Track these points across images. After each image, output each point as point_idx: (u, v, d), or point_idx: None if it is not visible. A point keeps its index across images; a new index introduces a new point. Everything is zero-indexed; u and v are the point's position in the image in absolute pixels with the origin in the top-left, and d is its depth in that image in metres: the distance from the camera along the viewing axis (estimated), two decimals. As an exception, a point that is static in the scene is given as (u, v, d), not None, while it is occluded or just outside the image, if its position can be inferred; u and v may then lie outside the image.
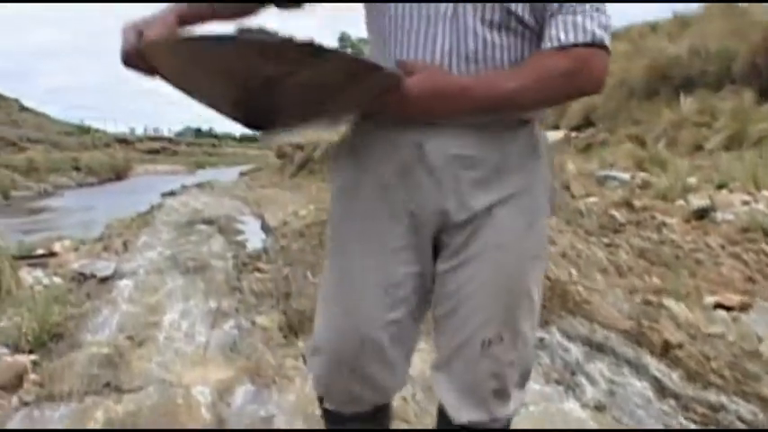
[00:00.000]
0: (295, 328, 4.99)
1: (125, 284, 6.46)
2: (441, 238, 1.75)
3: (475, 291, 1.72)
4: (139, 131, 63.38)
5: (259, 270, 7.17)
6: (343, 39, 43.14)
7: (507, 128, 1.70)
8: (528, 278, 1.75)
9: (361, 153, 1.81)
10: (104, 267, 7.46)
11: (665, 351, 3.83)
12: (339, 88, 1.44)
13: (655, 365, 3.75)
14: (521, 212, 1.72)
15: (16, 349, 4.69)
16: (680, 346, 3.81)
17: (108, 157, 43.42)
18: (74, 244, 11.18)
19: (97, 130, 57.78)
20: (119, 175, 42.19)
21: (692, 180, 8.41)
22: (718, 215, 6.68)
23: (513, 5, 1.62)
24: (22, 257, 9.23)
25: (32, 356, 4.50)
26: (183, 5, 1.70)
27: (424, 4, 1.67)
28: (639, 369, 3.76)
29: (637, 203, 7.58)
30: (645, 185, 8.81)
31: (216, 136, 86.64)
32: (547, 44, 1.60)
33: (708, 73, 14.74)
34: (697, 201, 7.10)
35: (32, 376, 4.13)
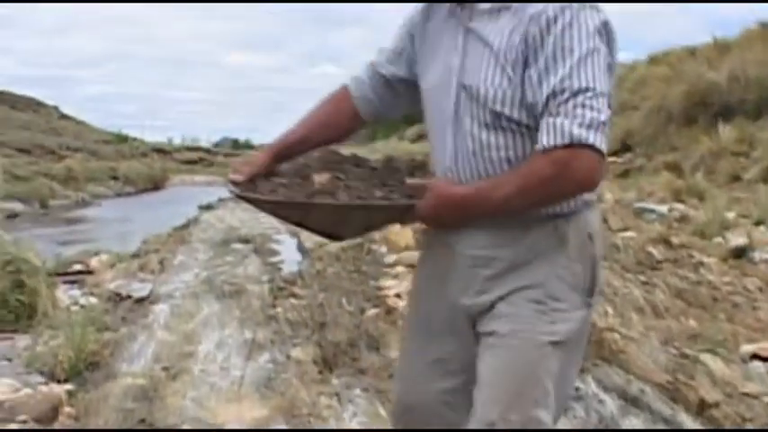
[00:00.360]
0: (330, 362, 5.01)
1: (161, 309, 6.50)
2: (475, 324, 1.92)
3: (487, 375, 1.83)
4: (177, 141, 63.62)
5: (295, 296, 7.20)
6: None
7: (521, 225, 1.83)
8: (539, 366, 1.81)
9: (424, 243, 2.23)
10: (140, 288, 7.53)
11: (701, 410, 3.80)
12: (382, 222, 2.11)
13: (690, 425, 3.72)
14: (533, 302, 1.81)
15: (52, 377, 4.76)
16: (716, 405, 3.78)
17: (146, 167, 43.60)
18: (110, 259, 11.27)
19: (135, 139, 57.82)
20: (156, 184, 42.36)
21: (730, 215, 8.34)
22: (756, 255, 6.63)
23: (498, 107, 1.76)
24: (59, 274, 9.36)
25: (68, 386, 4.56)
26: (281, 142, 2.10)
27: (438, 109, 1.93)
28: (675, 427, 3.72)
29: (674, 240, 7.53)
30: (683, 219, 8.75)
31: (253, 147, 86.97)
32: (536, 147, 1.69)
33: (747, 101, 14.63)
34: (735, 239, 7.06)
35: (67, 409, 4.18)
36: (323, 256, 9.66)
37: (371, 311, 6.45)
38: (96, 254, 12.38)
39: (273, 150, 2.10)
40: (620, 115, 14.28)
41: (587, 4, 1.70)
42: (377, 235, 10.34)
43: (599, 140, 1.62)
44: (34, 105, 62.83)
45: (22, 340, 5.56)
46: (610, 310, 5.53)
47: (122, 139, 57.92)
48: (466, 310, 1.92)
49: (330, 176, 1.94)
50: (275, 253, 10.62)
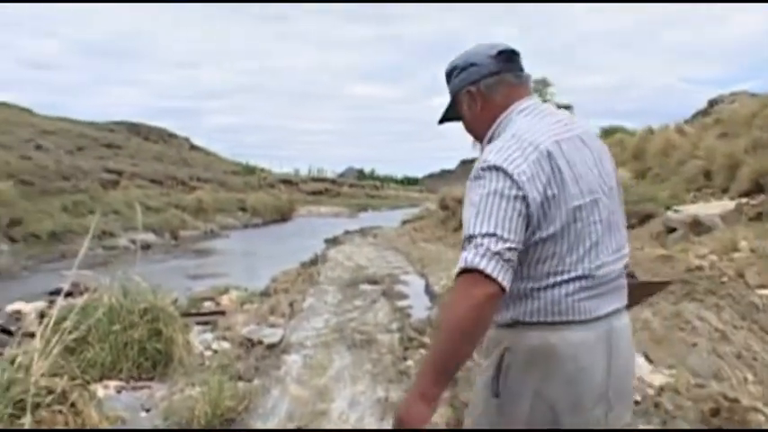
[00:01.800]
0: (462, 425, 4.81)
1: (293, 360, 6.45)
2: None
3: None
4: (303, 172, 64.79)
5: (425, 346, 7.05)
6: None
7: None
8: None
9: None
10: (271, 334, 7.52)
11: None
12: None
13: None
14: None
15: (187, 432, 4.74)
16: None
17: (273, 198, 44.56)
18: (240, 297, 11.41)
19: (263, 170, 59.33)
20: (283, 215, 43.17)
21: None
22: None
23: None
24: (191, 314, 9.48)
25: (204, 445, 4.53)
26: (440, 390, 1.95)
27: None
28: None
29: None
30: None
31: (378, 178, 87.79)
32: None
33: None
34: None
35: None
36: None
37: None
38: (226, 291, 12.58)
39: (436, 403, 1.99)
40: (752, 154, 13.56)
41: (491, 162, 1.96)
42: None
43: (490, 265, 1.83)
44: (166, 136, 64.86)
45: (159, 389, 5.59)
46: (750, 377, 5.16)
47: (250, 170, 59.31)
48: None
49: None
50: (404, 296, 10.49)
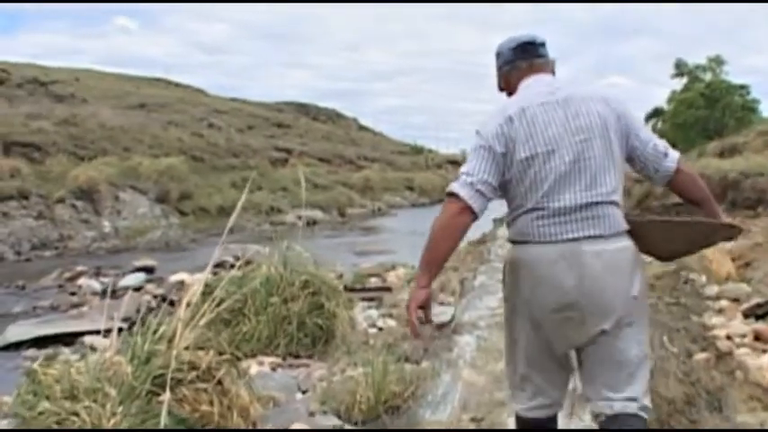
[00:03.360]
0: (664, 423, 4.11)
1: (466, 342, 5.81)
2: None
3: None
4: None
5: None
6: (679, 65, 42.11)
7: None
8: None
9: None
10: (442, 312, 6.90)
11: None
12: (701, 238, 2.81)
13: None
14: None
15: (348, 418, 4.18)
16: None
17: (440, 178, 43.95)
18: (408, 274, 10.88)
19: (430, 151, 58.91)
20: (450, 195, 42.62)
21: None
22: None
23: None
24: (356, 290, 9.01)
25: (365, 433, 3.97)
26: (432, 279, 2.66)
27: None
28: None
29: None
30: None
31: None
32: None
33: None
34: None
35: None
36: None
37: (700, 356, 5.40)
38: (393, 267, 12.09)
39: (429, 288, 2.66)
40: None
41: (477, 127, 2.73)
42: (696, 264, 9.16)
43: (463, 191, 2.57)
44: (334, 117, 65.69)
45: (319, 369, 5.07)
46: None
47: (417, 150, 59.05)
48: None
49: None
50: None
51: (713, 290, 7.81)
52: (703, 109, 37.77)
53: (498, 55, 2.94)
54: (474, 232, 15.08)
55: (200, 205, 24.46)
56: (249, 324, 5.30)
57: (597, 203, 2.57)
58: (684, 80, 42.09)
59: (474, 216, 2.58)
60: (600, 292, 2.53)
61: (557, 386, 2.81)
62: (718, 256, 8.60)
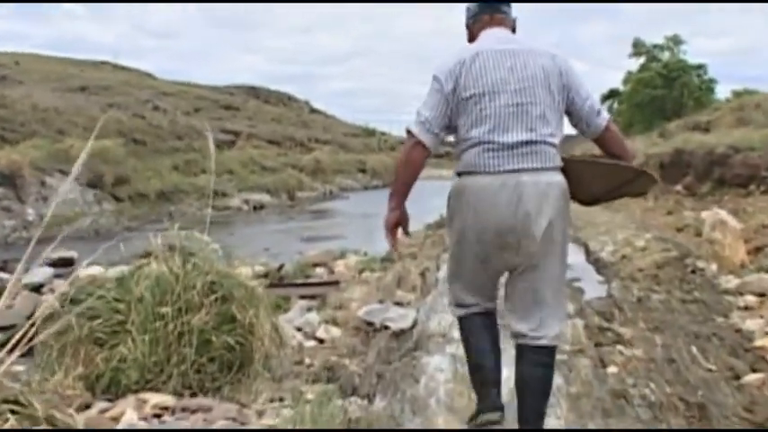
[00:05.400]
0: None
1: (436, 367, 4.21)
2: None
3: None
4: (423, 136, 62.93)
5: (621, 341, 4.83)
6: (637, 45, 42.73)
7: None
8: None
9: None
10: (400, 317, 5.41)
11: None
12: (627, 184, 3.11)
13: None
14: None
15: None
16: None
17: (393, 160, 42.48)
18: (359, 263, 9.44)
19: (383, 133, 57.62)
20: (403, 178, 41.57)
21: None
22: None
23: None
24: (292, 285, 7.58)
25: None
26: (403, 202, 3.08)
27: None
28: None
29: None
30: None
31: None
32: None
33: None
34: None
35: None
36: (633, 274, 7.14)
37: (751, 377, 4.07)
38: (342, 255, 10.66)
39: (402, 207, 3.08)
40: None
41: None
42: (702, 249, 7.78)
43: (415, 128, 2.94)
44: (285, 100, 64.25)
45: (225, 412, 3.50)
46: None
47: (370, 132, 58.04)
48: None
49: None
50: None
51: (730, 281, 6.45)
52: (661, 88, 38.34)
53: (467, 9, 3.23)
54: (432, 214, 13.62)
55: (137, 190, 22.71)
56: (129, 345, 3.73)
57: (537, 141, 2.86)
58: (642, 60, 42.64)
59: (427, 150, 2.95)
60: (534, 215, 2.82)
61: (492, 298, 3.19)
62: (731, 239, 7.21)
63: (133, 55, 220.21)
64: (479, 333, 3.13)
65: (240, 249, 14.84)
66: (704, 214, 11.23)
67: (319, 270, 9.70)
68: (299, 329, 5.48)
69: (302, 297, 6.98)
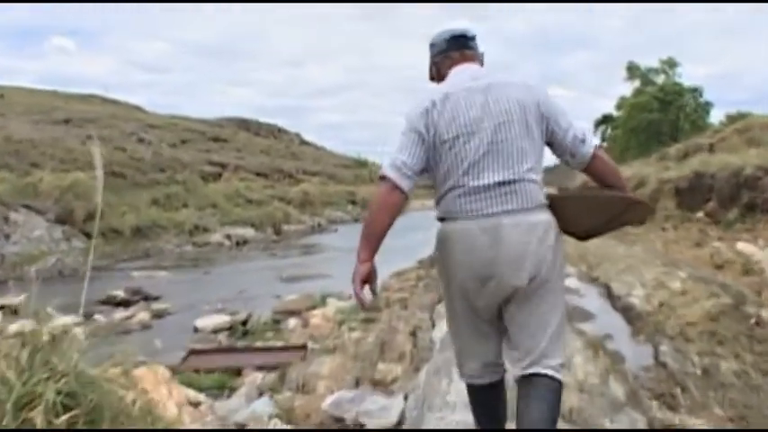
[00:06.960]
0: None
1: None
2: None
3: None
4: (415, 167, 62.73)
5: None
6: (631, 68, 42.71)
7: None
8: None
9: None
10: (380, 409, 3.91)
11: None
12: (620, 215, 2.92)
13: None
14: None
15: None
16: None
17: (384, 191, 41.71)
18: (339, 311, 8.06)
19: (374, 164, 57.05)
20: (397, 209, 40.76)
21: None
22: None
23: None
24: (252, 349, 6.19)
25: None
26: (373, 252, 2.71)
27: None
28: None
29: None
30: None
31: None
32: None
33: None
34: None
35: None
36: (684, 331, 5.61)
37: None
38: (323, 302, 9.37)
39: (371, 262, 2.70)
40: None
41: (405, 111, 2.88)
42: (755, 295, 6.31)
43: (392, 173, 2.67)
44: (276, 132, 63.93)
45: None
46: None
47: (362, 163, 57.69)
48: None
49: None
50: (587, 316, 6.61)
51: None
52: (657, 112, 38.25)
53: (432, 46, 3.09)
54: (424, 249, 12.13)
55: (110, 226, 21.23)
56: None
57: (514, 181, 2.70)
58: (636, 83, 42.47)
59: (404, 194, 2.72)
60: (515, 256, 2.66)
61: (497, 365, 2.96)
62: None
63: (124, 89, 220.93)
64: (484, 408, 3.05)
65: (212, 292, 13.56)
66: (741, 246, 9.83)
67: (293, 321, 8.34)
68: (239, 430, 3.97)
69: (259, 368, 5.48)
